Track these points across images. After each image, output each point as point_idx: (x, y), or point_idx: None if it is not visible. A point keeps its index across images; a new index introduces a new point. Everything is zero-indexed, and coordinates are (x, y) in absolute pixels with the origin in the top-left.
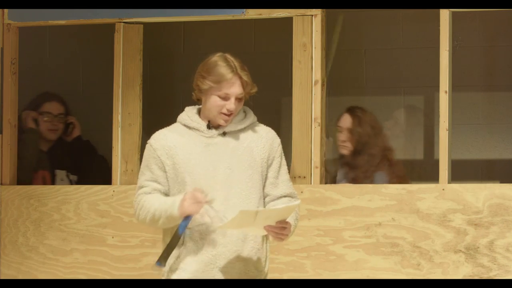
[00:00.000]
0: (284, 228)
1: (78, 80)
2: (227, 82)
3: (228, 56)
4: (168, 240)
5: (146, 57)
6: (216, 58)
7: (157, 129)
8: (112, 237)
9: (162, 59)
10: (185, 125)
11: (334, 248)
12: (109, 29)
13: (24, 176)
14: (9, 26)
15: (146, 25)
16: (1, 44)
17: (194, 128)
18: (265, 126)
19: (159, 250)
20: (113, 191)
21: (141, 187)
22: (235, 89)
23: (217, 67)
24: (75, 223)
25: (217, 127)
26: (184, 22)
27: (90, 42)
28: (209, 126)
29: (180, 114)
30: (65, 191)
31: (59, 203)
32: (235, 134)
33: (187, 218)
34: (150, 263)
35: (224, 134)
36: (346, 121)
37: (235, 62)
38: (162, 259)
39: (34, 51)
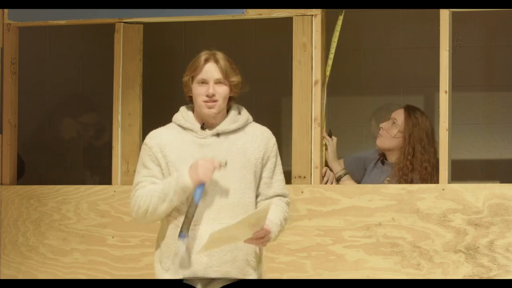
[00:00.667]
0: (263, 236)
1: (78, 80)
2: (202, 67)
3: (213, 49)
4: (162, 241)
5: (146, 57)
6: (201, 53)
7: None
8: (112, 237)
9: (162, 59)
10: (179, 126)
11: (334, 248)
12: (109, 29)
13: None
14: (9, 26)
15: (146, 25)
16: (1, 44)
17: (188, 129)
18: (260, 125)
19: None
20: (114, 191)
21: (138, 183)
22: (212, 74)
23: (196, 58)
24: (75, 223)
25: (211, 127)
26: (184, 22)
27: (90, 42)
28: (203, 127)
29: (175, 114)
30: (65, 191)
31: (59, 203)
32: (228, 134)
33: (200, 186)
34: (150, 263)
35: (218, 135)
36: (374, 128)
37: (216, 52)
38: (185, 230)
39: (34, 51)
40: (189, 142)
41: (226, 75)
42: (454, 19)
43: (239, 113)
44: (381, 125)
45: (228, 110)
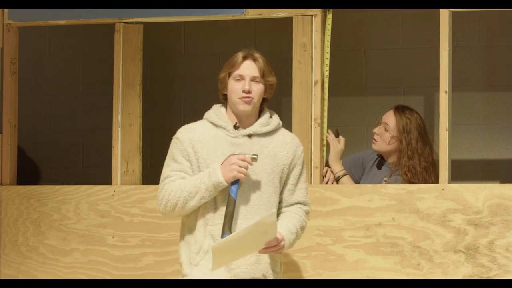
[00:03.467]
0: (275, 244)
1: (78, 80)
2: (240, 64)
3: (252, 49)
4: (189, 236)
5: (146, 57)
6: (238, 52)
7: (157, 129)
8: (112, 237)
9: (162, 59)
10: (211, 123)
11: (334, 248)
12: (109, 29)
13: None
14: (9, 26)
15: (146, 25)
16: (1, 44)
17: (220, 127)
18: (289, 132)
19: (159, 250)
20: (114, 191)
21: (167, 177)
22: (249, 70)
23: (234, 56)
24: (75, 223)
25: (243, 128)
26: (184, 22)
27: (90, 42)
28: (236, 127)
29: (207, 111)
30: (65, 191)
31: (59, 203)
32: (260, 137)
33: (235, 182)
34: (150, 263)
35: (250, 136)
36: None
37: (254, 52)
38: (227, 230)
39: (34, 51)
40: (221, 140)
41: (263, 74)
42: (454, 19)
43: (271, 117)
44: (374, 130)
45: (259, 113)
